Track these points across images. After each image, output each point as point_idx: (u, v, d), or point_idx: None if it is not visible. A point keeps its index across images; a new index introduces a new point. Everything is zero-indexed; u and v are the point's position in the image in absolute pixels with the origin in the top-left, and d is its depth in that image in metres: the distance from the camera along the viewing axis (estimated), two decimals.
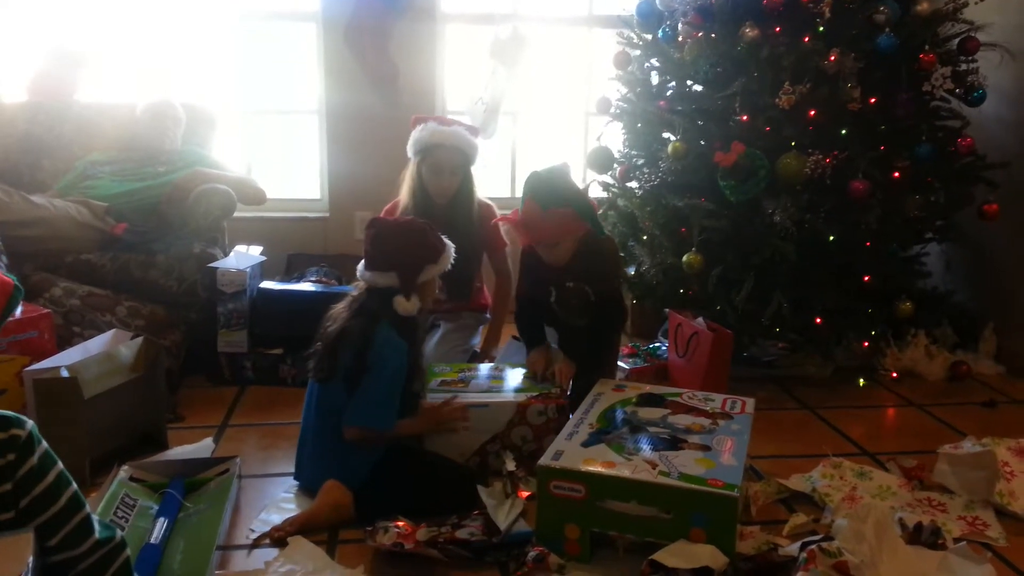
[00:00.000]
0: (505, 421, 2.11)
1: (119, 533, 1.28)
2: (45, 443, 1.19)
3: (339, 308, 2.04)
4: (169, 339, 2.66)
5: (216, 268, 2.80)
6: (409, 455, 2.01)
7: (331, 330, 1.99)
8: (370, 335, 1.93)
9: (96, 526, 1.23)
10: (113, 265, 2.80)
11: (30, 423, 1.18)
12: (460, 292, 2.81)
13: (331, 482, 1.91)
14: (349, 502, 1.87)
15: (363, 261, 2.03)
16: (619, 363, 2.92)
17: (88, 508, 1.23)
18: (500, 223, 2.49)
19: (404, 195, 2.79)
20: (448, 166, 2.70)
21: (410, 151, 2.76)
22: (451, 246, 2.09)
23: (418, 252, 2.01)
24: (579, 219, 2.27)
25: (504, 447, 2.11)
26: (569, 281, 2.33)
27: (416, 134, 2.73)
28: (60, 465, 1.20)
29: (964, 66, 2.87)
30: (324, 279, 3.14)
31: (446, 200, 2.73)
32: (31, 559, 1.06)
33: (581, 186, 2.56)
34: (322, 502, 1.87)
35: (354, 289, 2.09)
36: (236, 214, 3.12)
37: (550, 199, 2.22)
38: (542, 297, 2.42)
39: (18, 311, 2.17)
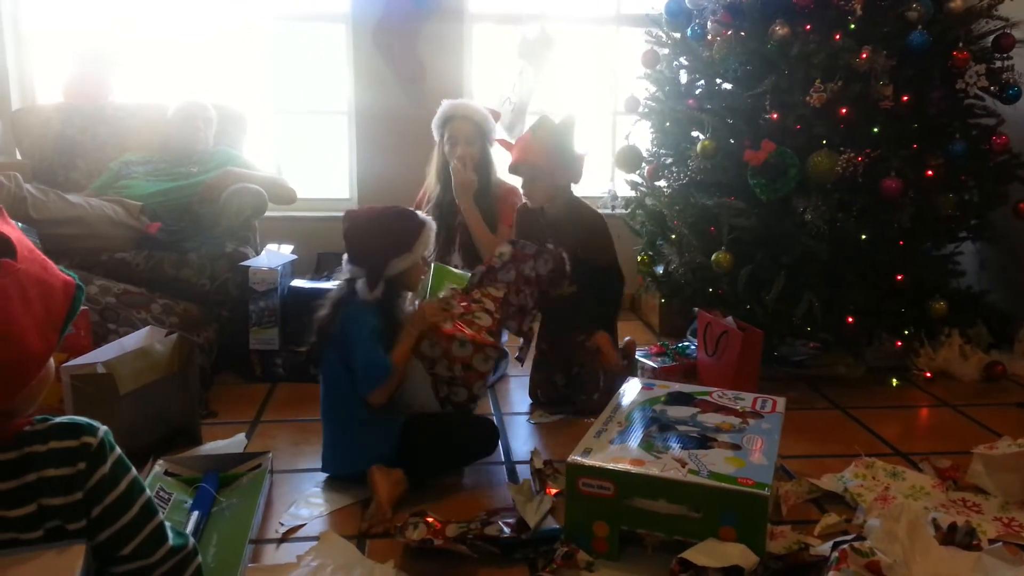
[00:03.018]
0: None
1: (191, 541, 1.27)
2: (119, 450, 1.17)
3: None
4: (202, 336, 2.69)
5: (248, 266, 2.83)
6: (426, 419, 2.10)
7: (315, 325, 2.10)
8: (339, 319, 2.04)
9: (170, 533, 1.22)
10: (147, 263, 2.84)
11: (103, 430, 1.15)
12: (477, 263, 2.82)
13: (374, 467, 1.94)
14: (401, 475, 1.93)
15: None
16: (648, 362, 2.93)
17: (161, 515, 1.21)
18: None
19: (430, 174, 2.99)
20: (462, 136, 2.89)
21: (434, 129, 2.98)
22: (431, 227, 2.11)
23: (383, 248, 2.03)
24: (557, 150, 2.49)
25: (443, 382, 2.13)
26: (550, 243, 2.40)
27: (438, 112, 2.96)
28: (133, 472, 1.18)
29: (999, 63, 2.83)
30: None
31: None
32: (79, 572, 1.04)
33: (582, 144, 2.62)
34: (381, 485, 1.89)
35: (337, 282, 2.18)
36: (267, 213, 3.17)
37: (541, 130, 2.54)
38: None
39: None
